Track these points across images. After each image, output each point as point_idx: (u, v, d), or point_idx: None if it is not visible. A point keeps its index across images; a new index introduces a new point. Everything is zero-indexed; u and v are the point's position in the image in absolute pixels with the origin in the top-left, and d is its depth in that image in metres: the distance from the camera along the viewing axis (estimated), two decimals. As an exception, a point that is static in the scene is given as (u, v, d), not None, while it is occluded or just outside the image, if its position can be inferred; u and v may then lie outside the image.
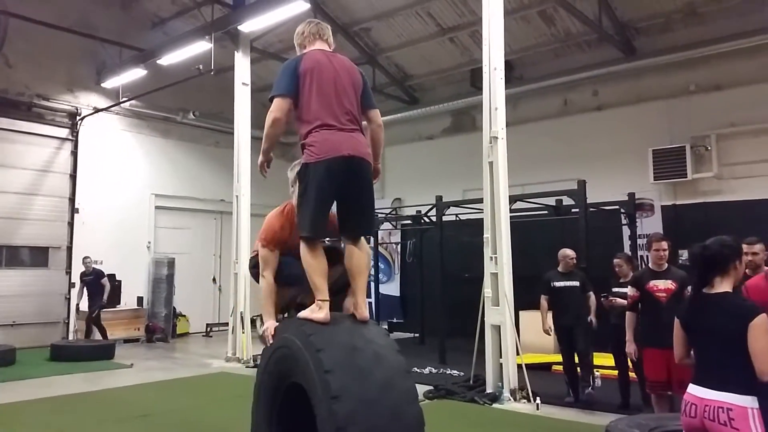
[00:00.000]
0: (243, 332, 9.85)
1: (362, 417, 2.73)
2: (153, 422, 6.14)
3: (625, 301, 6.51)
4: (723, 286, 2.78)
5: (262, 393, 3.41)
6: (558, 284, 6.94)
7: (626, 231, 10.46)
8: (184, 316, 13.62)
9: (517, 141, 8.51)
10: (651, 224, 10.32)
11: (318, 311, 2.99)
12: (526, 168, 10.62)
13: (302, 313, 3.07)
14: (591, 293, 7.07)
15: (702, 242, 2.91)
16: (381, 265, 13.33)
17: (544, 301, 6.98)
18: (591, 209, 9.08)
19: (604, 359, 7.86)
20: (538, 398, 6.71)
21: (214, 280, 14.69)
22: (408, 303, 13.35)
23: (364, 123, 3.27)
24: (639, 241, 9.98)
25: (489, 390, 7.03)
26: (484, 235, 7.20)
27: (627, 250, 10.49)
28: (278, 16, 9.43)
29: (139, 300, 12.84)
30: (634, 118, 10.97)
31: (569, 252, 7.22)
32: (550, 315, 7.01)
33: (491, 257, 7.10)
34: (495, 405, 6.80)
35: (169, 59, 10.92)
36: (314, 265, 3.02)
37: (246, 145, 10.37)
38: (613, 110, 11.32)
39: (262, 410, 3.42)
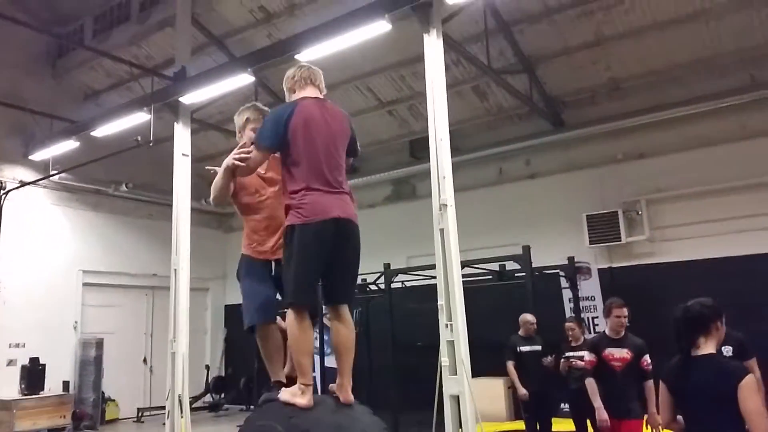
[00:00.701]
0: (182, 416, 9.22)
1: None
2: None
3: (583, 363, 6.60)
4: (708, 347, 2.84)
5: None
6: (523, 349, 6.96)
7: (566, 294, 10.74)
8: (113, 400, 12.72)
9: (457, 208, 8.67)
10: (589, 287, 10.61)
11: (300, 396, 2.82)
12: (466, 234, 10.62)
13: (283, 396, 2.87)
14: (548, 357, 7.12)
15: (681, 303, 2.98)
16: (325, 337, 12.99)
17: (511, 366, 7.00)
18: (533, 273, 9.28)
19: (559, 425, 7.85)
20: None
21: (145, 360, 13.87)
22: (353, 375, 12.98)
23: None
24: (581, 303, 10.24)
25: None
26: (438, 302, 7.13)
27: (569, 313, 10.77)
28: (221, 89, 9.41)
29: (65, 385, 11.90)
30: (567, 185, 11.45)
31: (530, 317, 7.34)
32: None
33: (446, 324, 7.02)
34: (457, 480, 6.57)
35: (103, 131, 10.61)
36: (300, 342, 2.86)
37: (185, 216, 10.04)
38: (546, 178, 11.79)
39: None
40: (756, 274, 9.03)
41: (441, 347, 7.12)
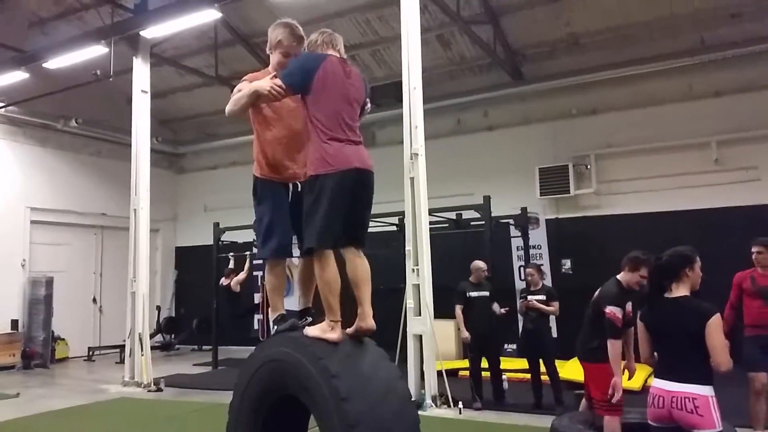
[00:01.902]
0: (142, 354, 9.32)
1: (361, 391, 2.87)
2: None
3: (540, 305, 7.07)
4: (680, 290, 3.18)
5: (246, 405, 3.32)
6: (472, 294, 7.32)
7: (514, 242, 11.25)
8: (63, 339, 12.58)
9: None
10: (536, 236, 11.13)
11: (331, 331, 3.00)
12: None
13: (312, 332, 3.05)
14: (495, 303, 7.56)
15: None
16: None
17: (459, 310, 7.31)
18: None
19: (508, 363, 8.41)
20: (460, 403, 7.02)
21: (94, 300, 13.72)
22: (313, 317, 13.28)
23: None
24: (531, 252, 10.78)
25: (413, 398, 7.23)
26: (406, 248, 7.45)
27: (516, 261, 11.34)
28: (185, 24, 9.16)
29: (14, 323, 11.68)
30: (522, 138, 11.80)
31: (481, 264, 7.65)
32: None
33: (413, 269, 7.35)
34: (419, 412, 7.00)
35: (56, 63, 10.15)
36: (330, 282, 3.01)
37: (145, 155, 9.90)
38: (503, 130, 12.11)
39: (243, 425, 3.35)
40: (694, 227, 9.69)
41: (407, 290, 7.46)
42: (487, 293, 7.51)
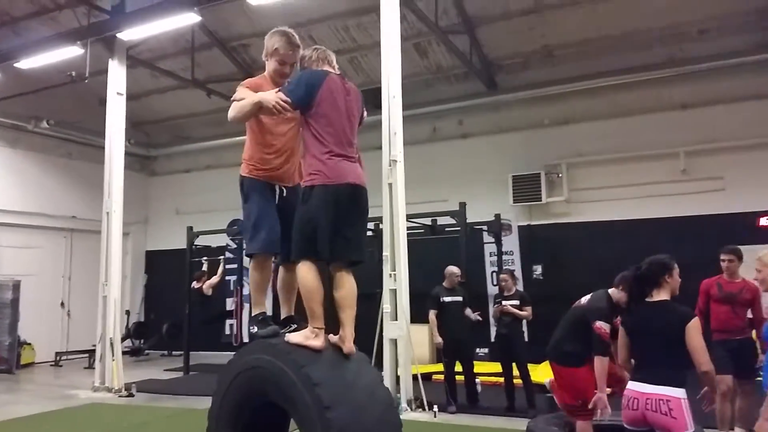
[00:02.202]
0: (113, 359, 9.19)
1: (344, 398, 2.90)
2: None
3: (515, 310, 7.19)
4: (661, 295, 3.31)
5: (225, 412, 3.32)
6: (446, 299, 7.40)
7: (487, 248, 11.42)
8: (30, 344, 12.32)
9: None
10: (509, 242, 11.31)
11: (314, 338, 3.03)
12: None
13: (294, 338, 3.07)
14: (468, 309, 7.63)
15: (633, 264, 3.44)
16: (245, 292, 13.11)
17: (433, 315, 7.36)
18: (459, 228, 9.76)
19: (480, 367, 8.53)
20: (435, 406, 7.10)
21: (62, 304, 13.47)
22: (280, 323, 13.24)
23: None
24: (503, 257, 10.94)
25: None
26: (384, 253, 7.51)
27: (489, 266, 11.48)
28: (163, 27, 9.11)
29: (-21, 328, 11.41)
30: (496, 146, 12.00)
31: (455, 269, 7.75)
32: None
33: (390, 274, 7.42)
34: (395, 416, 7.06)
35: (29, 63, 9.99)
36: (314, 291, 3.04)
37: (119, 158, 9.80)
38: (477, 138, 12.29)
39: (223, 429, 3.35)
40: (662, 235, 9.97)
41: (384, 294, 7.53)
42: (460, 298, 7.61)
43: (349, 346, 3.11)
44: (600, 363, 4.32)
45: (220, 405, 3.33)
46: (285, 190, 3.40)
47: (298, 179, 3.41)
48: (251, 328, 3.43)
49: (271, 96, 3.11)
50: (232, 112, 3.27)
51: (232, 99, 3.35)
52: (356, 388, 3.00)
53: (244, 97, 3.25)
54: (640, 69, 10.54)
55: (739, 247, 5.73)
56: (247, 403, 3.21)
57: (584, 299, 4.90)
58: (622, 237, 10.63)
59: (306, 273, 3.06)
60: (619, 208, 10.86)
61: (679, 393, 3.11)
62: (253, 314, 3.50)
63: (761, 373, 3.27)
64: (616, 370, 4.31)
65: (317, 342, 3.02)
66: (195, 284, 10.48)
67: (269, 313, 3.60)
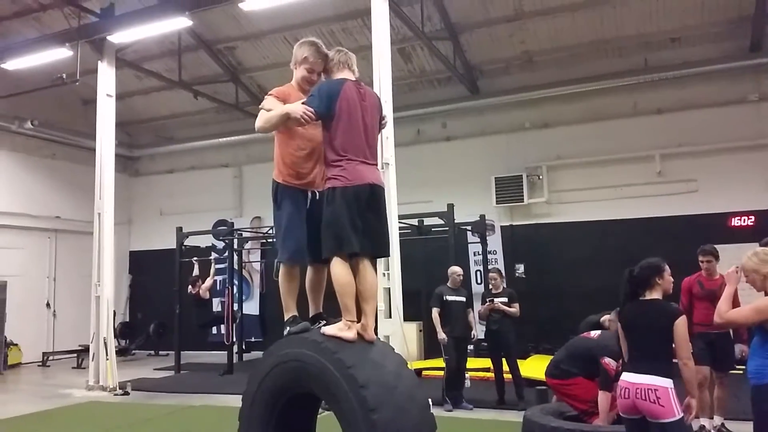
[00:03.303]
0: (107, 359, 9.30)
1: (387, 400, 3.08)
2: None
3: (504, 307, 7.50)
4: (653, 295, 3.63)
5: (259, 403, 3.52)
6: (450, 298, 7.60)
7: (471, 248, 11.76)
8: (16, 344, 12.30)
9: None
10: (492, 242, 11.67)
11: (347, 330, 3.25)
12: (386, 190, 11.41)
13: (329, 330, 3.28)
14: (470, 310, 7.84)
15: (629, 266, 3.74)
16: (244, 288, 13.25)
17: (436, 313, 7.49)
18: (446, 228, 10.04)
19: (472, 363, 8.81)
20: (429, 400, 7.34)
21: (48, 304, 13.44)
22: (268, 322, 13.44)
23: None
24: (488, 257, 11.27)
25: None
26: (377, 253, 7.75)
27: (474, 266, 11.82)
28: (154, 30, 9.23)
29: (-34, 329, 11.37)
30: (479, 148, 12.34)
31: (458, 269, 7.90)
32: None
33: (384, 273, 7.67)
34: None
35: (17, 64, 10.01)
36: (346, 286, 3.27)
37: (110, 159, 9.90)
38: (461, 141, 12.62)
39: (256, 423, 3.51)
40: (638, 235, 10.43)
41: (378, 293, 7.77)
42: (463, 299, 7.72)
43: (370, 334, 3.35)
44: (604, 397, 4.70)
45: (257, 389, 3.49)
46: (317, 193, 3.58)
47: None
48: (285, 330, 3.60)
49: (299, 107, 3.31)
50: (259, 122, 3.47)
51: (260, 107, 3.55)
52: (398, 391, 3.17)
53: (271, 108, 3.46)
54: (616, 75, 10.99)
55: (697, 246, 6.10)
56: (285, 392, 3.41)
57: (594, 333, 5.30)
58: (600, 237, 11.08)
59: (339, 270, 3.30)
60: (598, 208, 11.30)
61: (667, 383, 3.38)
62: (285, 319, 3.65)
63: (744, 366, 3.57)
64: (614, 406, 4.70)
65: (350, 334, 3.25)
66: (191, 289, 10.64)
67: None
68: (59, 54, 9.73)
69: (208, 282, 10.49)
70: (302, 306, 3.68)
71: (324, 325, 3.42)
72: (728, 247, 9.38)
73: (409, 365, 7.33)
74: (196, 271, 11.25)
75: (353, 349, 3.21)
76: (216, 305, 13.67)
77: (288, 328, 3.59)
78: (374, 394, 3.02)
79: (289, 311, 3.69)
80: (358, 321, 3.34)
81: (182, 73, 12.42)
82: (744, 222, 10.26)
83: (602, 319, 5.61)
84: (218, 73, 13.02)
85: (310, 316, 3.66)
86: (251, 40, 12.25)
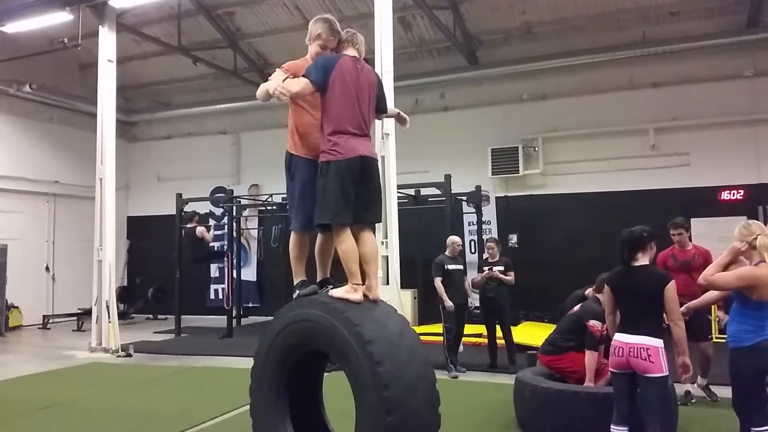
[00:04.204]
0: (110, 321, 9.51)
1: (391, 354, 3.29)
2: (63, 412, 5.95)
3: (501, 275, 7.72)
4: (643, 260, 3.85)
5: (270, 361, 3.74)
6: (450, 267, 7.77)
7: (466, 218, 11.96)
8: (17, 307, 12.50)
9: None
10: (487, 212, 11.87)
11: (354, 292, 3.45)
12: (381, 159, 11.56)
13: (336, 293, 3.48)
14: (465, 278, 8.06)
15: (626, 228, 3.94)
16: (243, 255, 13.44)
17: (438, 282, 7.61)
18: (442, 198, 10.19)
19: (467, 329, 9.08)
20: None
21: (47, 268, 13.61)
22: (266, 288, 13.67)
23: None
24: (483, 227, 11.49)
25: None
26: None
27: (468, 235, 12.03)
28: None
29: (-33, 291, 11.55)
30: (476, 119, 12.45)
31: (457, 239, 8.07)
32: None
33: (382, 241, 7.86)
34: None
35: (17, 27, 9.97)
36: (349, 252, 3.46)
37: (110, 125, 9.95)
38: (458, 112, 12.72)
39: (268, 378, 3.76)
40: (631, 207, 10.60)
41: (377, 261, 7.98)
42: (461, 267, 7.95)
43: (375, 293, 3.57)
44: (591, 356, 4.99)
45: (269, 347, 3.70)
46: None
47: None
48: (294, 293, 3.80)
49: (272, 84, 3.45)
50: (258, 92, 3.63)
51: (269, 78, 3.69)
52: (401, 346, 3.40)
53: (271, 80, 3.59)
54: (614, 48, 11.07)
55: (687, 218, 6.40)
56: (296, 350, 3.64)
57: (576, 307, 5.58)
58: (593, 208, 11.28)
59: (342, 237, 3.49)
60: (592, 180, 11.49)
61: (657, 342, 3.67)
62: (294, 283, 3.85)
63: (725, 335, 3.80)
64: (600, 365, 4.99)
65: (356, 295, 3.45)
66: (188, 225, 11.00)
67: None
68: (60, 18, 9.68)
69: (209, 235, 10.97)
70: (309, 272, 3.88)
71: (331, 289, 3.62)
72: (717, 220, 9.72)
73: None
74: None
75: (359, 309, 3.42)
76: (214, 271, 13.90)
77: (297, 291, 3.80)
78: (379, 349, 3.24)
79: (299, 276, 3.89)
80: (363, 284, 3.53)
81: (181, 38, 12.39)
82: (734, 196, 10.48)
83: (586, 292, 5.85)
84: (217, 38, 12.99)
85: (318, 280, 3.85)
86: (250, 6, 12.21)
